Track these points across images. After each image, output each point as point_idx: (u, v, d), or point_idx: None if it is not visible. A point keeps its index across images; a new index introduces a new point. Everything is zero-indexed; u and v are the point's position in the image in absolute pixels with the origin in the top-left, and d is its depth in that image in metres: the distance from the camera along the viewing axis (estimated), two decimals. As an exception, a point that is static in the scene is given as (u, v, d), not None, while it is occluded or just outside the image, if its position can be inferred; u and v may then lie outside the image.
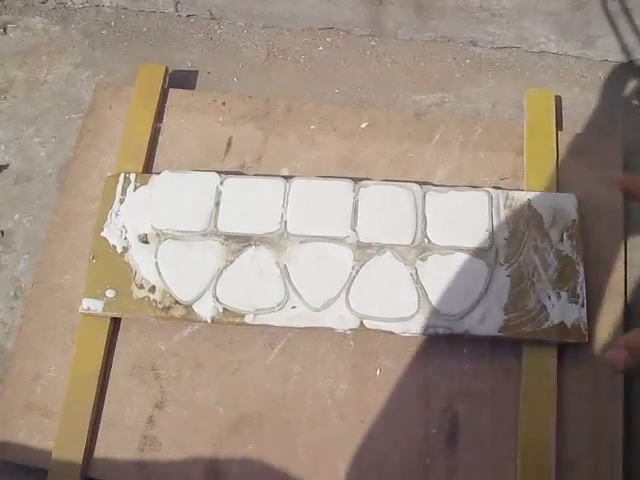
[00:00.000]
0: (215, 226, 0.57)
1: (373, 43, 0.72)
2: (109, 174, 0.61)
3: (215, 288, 0.56)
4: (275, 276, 0.56)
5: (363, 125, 0.64)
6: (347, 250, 0.56)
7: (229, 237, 0.57)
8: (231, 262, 0.56)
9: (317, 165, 0.63)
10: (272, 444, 0.54)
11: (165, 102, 0.66)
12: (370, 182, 0.59)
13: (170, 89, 0.67)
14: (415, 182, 0.59)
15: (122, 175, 0.60)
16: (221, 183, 0.59)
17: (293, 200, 0.58)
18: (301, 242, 0.57)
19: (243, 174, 0.62)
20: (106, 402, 0.56)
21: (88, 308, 0.56)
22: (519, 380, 0.55)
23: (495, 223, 0.57)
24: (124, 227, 0.58)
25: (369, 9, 0.69)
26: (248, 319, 0.55)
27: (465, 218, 0.57)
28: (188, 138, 0.64)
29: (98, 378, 0.56)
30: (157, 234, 0.58)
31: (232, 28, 0.73)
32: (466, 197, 0.58)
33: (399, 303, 0.55)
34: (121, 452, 0.55)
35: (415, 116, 0.64)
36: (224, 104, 0.65)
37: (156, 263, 0.57)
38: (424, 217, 0.57)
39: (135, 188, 0.60)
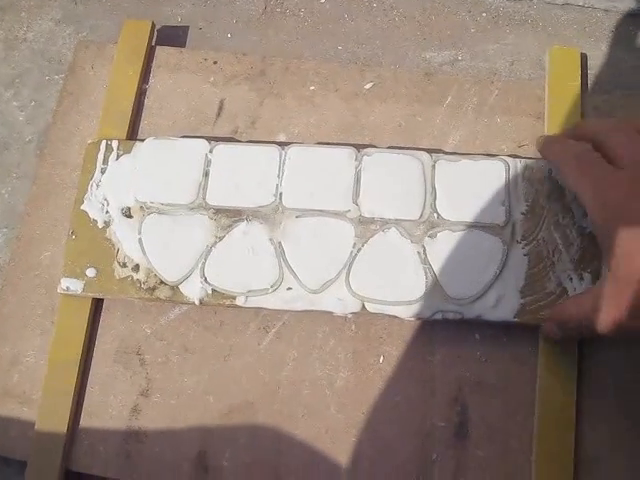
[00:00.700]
0: (204, 199, 0.52)
1: (380, -6, 0.66)
2: (89, 141, 0.56)
3: (203, 267, 0.51)
4: (269, 254, 0.51)
5: (367, 86, 0.58)
6: (348, 226, 0.51)
7: (219, 211, 0.52)
8: (220, 239, 0.52)
9: (317, 130, 0.57)
10: (266, 436, 0.50)
11: (151, 61, 0.60)
12: (374, 150, 0.53)
13: (157, 47, 0.61)
14: (424, 150, 0.53)
15: (104, 142, 0.55)
16: (211, 151, 0.53)
17: (289, 170, 0.53)
18: (297, 217, 0.51)
19: (236, 140, 0.56)
20: (88, 390, 0.52)
21: (67, 288, 0.52)
22: (535, 369, 0.50)
23: (512, 196, 0.51)
24: (105, 200, 0.54)
25: (376, -44, 0.63)
26: (239, 301, 0.50)
27: (479, 190, 0.51)
28: (176, 100, 0.59)
29: (79, 364, 0.52)
30: (141, 207, 0.53)
31: (226, -21, 0.67)
32: (480, 167, 0.52)
33: (405, 285, 0.50)
34: (104, 443, 0.51)
35: (425, 76, 0.59)
36: (215, 63, 0.60)
37: (140, 239, 0.52)
38: (433, 189, 0.51)
39: (118, 156, 0.54)
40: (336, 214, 0.51)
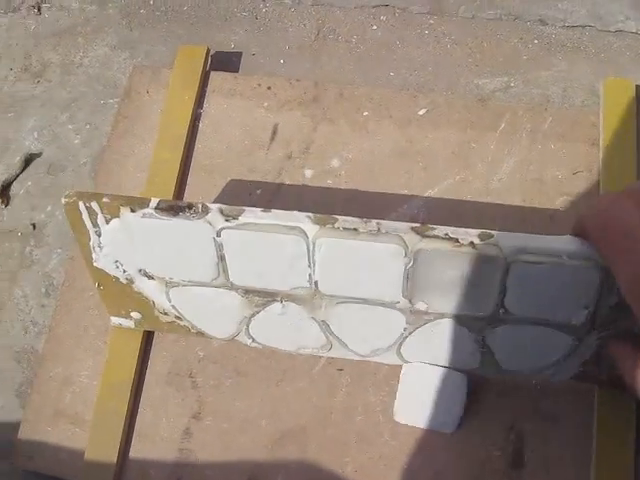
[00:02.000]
0: (227, 279, 0.46)
1: (432, 21, 0.66)
2: (63, 200, 0.44)
3: (248, 331, 0.50)
4: (313, 329, 0.48)
5: (421, 112, 0.59)
6: (398, 314, 0.45)
7: (248, 291, 0.47)
8: (257, 312, 0.48)
9: (370, 156, 0.57)
10: (318, 463, 0.50)
11: (206, 86, 0.61)
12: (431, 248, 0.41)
13: (212, 72, 0.62)
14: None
15: (81, 205, 0.44)
16: (218, 235, 0.43)
17: (321, 262, 0.43)
18: (338, 303, 0.46)
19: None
20: (140, 411, 0.52)
21: (120, 324, 0.52)
22: (593, 398, 0.49)
23: (603, 297, 0.41)
24: (117, 261, 0.47)
25: (428, -16, 0.63)
26: (292, 352, 0.51)
27: (560, 294, 0.41)
28: (231, 125, 0.59)
29: (131, 385, 0.52)
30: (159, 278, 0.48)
31: (279, 6, 0.68)
32: (569, 272, 0.40)
33: (459, 358, 0.48)
34: (155, 465, 0.51)
35: (479, 102, 0.59)
36: (269, 88, 0.60)
37: (173, 306, 0.49)
38: (504, 288, 0.42)
39: (107, 220, 0.44)
40: (384, 304, 0.45)
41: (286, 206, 0.52)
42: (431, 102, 0.59)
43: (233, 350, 0.53)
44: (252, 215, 0.42)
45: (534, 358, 0.47)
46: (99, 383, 0.52)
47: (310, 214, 0.42)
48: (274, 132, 0.59)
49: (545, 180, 0.55)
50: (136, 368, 0.52)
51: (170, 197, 0.56)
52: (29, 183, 0.63)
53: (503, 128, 0.58)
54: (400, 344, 0.48)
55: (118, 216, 0.44)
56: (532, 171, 0.56)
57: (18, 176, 0.63)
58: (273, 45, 0.66)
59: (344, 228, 0.41)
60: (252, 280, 0.46)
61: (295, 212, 0.42)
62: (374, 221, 0.41)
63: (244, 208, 0.42)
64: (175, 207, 0.43)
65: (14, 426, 0.53)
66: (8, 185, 0.63)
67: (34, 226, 0.61)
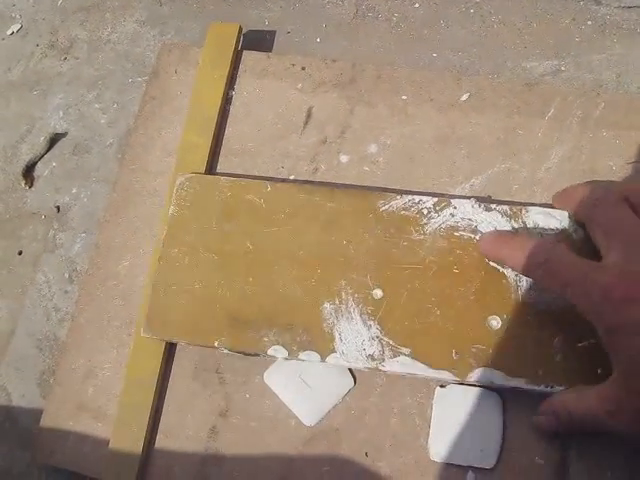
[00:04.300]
0: None
1: (478, 0, 0.62)
2: None
3: None
4: None
5: (464, 96, 0.55)
6: None
7: None
8: None
9: (410, 141, 0.54)
10: (350, 466, 0.47)
11: (238, 66, 0.58)
12: None
13: (244, 51, 0.59)
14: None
15: None
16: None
17: None
18: None
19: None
20: (165, 407, 0.50)
21: None
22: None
23: None
24: None
25: (475, -41, 0.59)
26: None
27: None
28: (263, 107, 0.57)
29: (156, 381, 0.49)
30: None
31: (315, -19, 0.64)
32: None
33: None
34: (180, 464, 0.49)
35: (526, 86, 0.55)
36: (304, 69, 0.57)
37: None
38: None
39: None
40: None
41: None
42: (475, 86, 0.55)
43: (262, 345, 0.50)
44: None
45: None
46: (123, 377, 0.50)
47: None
48: (308, 115, 0.56)
49: (597, 170, 0.52)
50: (161, 362, 0.50)
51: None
52: (54, 164, 0.61)
53: (552, 114, 0.54)
54: None
55: None
56: (583, 161, 0.52)
57: (43, 156, 0.61)
58: (309, 23, 0.63)
59: None
60: None
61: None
62: None
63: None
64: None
65: (34, 416, 0.52)
66: (32, 166, 0.61)
67: (58, 209, 0.59)
